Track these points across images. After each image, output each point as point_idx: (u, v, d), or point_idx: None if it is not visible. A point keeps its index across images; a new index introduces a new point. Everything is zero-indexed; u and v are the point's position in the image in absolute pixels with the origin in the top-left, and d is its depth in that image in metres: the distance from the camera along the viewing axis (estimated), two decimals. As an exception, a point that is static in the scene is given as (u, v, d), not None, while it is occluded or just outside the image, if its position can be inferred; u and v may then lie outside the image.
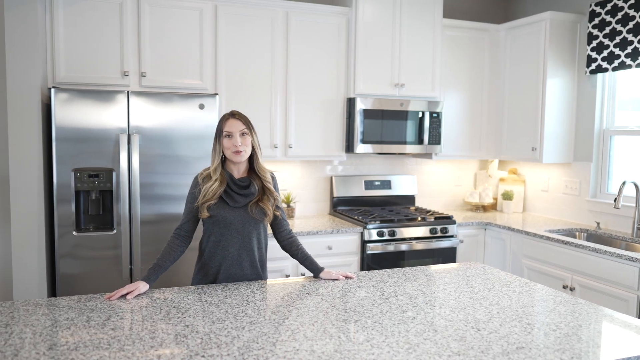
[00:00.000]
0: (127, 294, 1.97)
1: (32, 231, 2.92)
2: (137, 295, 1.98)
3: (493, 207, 4.58)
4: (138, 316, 1.79)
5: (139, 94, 3.03)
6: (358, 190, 4.20)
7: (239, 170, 2.23)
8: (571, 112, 3.98)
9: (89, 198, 3.02)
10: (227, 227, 2.18)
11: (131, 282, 3.04)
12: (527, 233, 3.61)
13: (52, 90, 2.88)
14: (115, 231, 3.03)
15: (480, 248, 4.02)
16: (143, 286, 2.02)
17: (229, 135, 2.15)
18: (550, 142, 3.91)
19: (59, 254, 2.95)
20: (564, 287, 3.28)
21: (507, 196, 4.40)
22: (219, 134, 2.18)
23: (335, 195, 4.14)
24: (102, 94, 2.97)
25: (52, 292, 3.06)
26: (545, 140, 3.89)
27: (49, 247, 3.04)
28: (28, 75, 2.88)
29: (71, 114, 2.91)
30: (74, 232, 2.96)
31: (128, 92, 3.01)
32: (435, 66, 4.04)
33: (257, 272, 2.26)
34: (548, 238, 3.43)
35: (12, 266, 2.93)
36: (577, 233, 3.74)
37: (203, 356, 1.45)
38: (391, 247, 3.65)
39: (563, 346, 1.56)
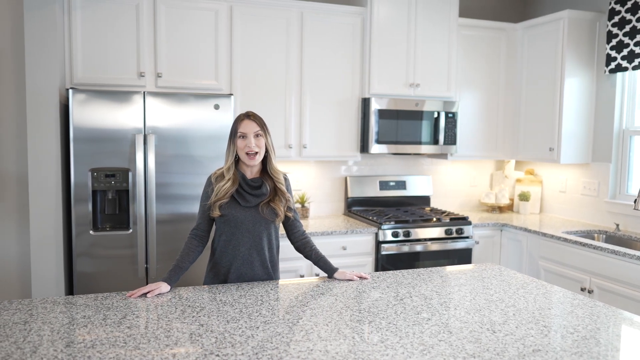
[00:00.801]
0: (147, 292, 1.99)
1: (50, 230, 2.96)
2: (156, 295, 2.00)
3: (509, 208, 4.54)
4: (153, 315, 1.81)
5: (154, 94, 3.06)
6: (373, 191, 4.19)
7: (252, 171, 2.23)
8: (590, 111, 3.92)
9: (105, 198, 3.05)
10: (238, 227, 2.18)
11: (147, 282, 3.07)
12: (544, 234, 3.56)
13: (70, 91, 2.92)
14: (131, 230, 3.06)
15: (496, 249, 3.98)
16: (164, 287, 2.03)
17: (243, 136, 2.16)
18: (568, 142, 3.86)
19: (76, 253, 2.98)
20: (582, 289, 3.24)
21: (524, 197, 4.35)
22: (234, 134, 2.18)
23: (349, 195, 4.13)
24: (118, 94, 3.00)
25: (70, 290, 3.09)
26: (563, 140, 3.84)
27: (67, 246, 3.08)
28: (46, 77, 2.92)
29: (88, 114, 2.94)
30: (90, 231, 3.00)
31: (144, 92, 3.04)
32: (451, 66, 4.01)
33: (268, 273, 2.26)
34: (566, 240, 3.39)
35: (30, 264, 2.97)
36: (595, 235, 3.68)
37: (217, 355, 1.46)
38: (406, 248, 3.63)
39: (581, 349, 1.54)
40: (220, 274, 2.24)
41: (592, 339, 1.63)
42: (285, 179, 2.29)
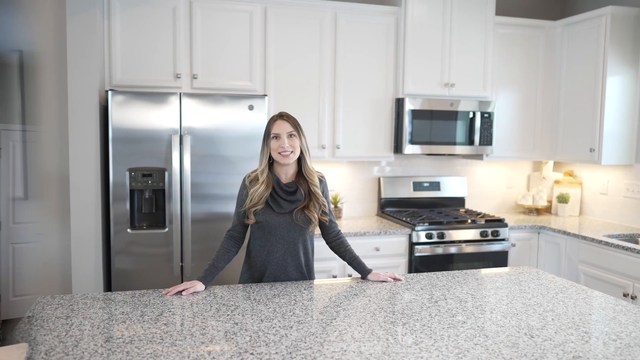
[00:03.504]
0: (182, 290, 2.02)
1: (89, 228, 3.04)
2: (191, 293, 2.03)
3: (547, 210, 4.42)
4: (189, 312, 1.83)
5: (190, 95, 3.11)
6: (406, 192, 4.15)
7: (286, 174, 2.21)
8: (634, 111, 3.78)
9: (142, 197, 3.12)
10: (272, 233, 2.18)
11: (182, 280, 3.12)
12: (584, 238, 3.46)
13: (109, 92, 2.99)
14: (167, 229, 3.11)
15: (534, 252, 3.89)
16: (200, 286, 2.06)
17: (277, 137, 2.14)
18: (610, 142, 3.74)
19: (114, 250, 3.06)
20: (625, 295, 3.13)
21: (563, 199, 4.24)
22: (267, 135, 2.17)
23: (382, 196, 4.10)
24: (155, 95, 3.06)
25: (108, 286, 3.17)
26: (604, 140, 3.72)
27: (105, 244, 3.16)
28: (87, 79, 3.01)
29: (126, 115, 3.01)
30: (128, 230, 3.07)
31: (180, 93, 3.09)
32: (487, 65, 3.94)
33: (303, 276, 2.26)
34: (607, 243, 3.28)
35: (71, 261, 3.07)
36: (639, 239, 3.55)
37: (252, 354, 1.47)
38: (440, 250, 3.58)
39: (624, 357, 1.49)
40: (255, 277, 2.25)
41: (636, 346, 1.57)
42: (321, 181, 2.25)
